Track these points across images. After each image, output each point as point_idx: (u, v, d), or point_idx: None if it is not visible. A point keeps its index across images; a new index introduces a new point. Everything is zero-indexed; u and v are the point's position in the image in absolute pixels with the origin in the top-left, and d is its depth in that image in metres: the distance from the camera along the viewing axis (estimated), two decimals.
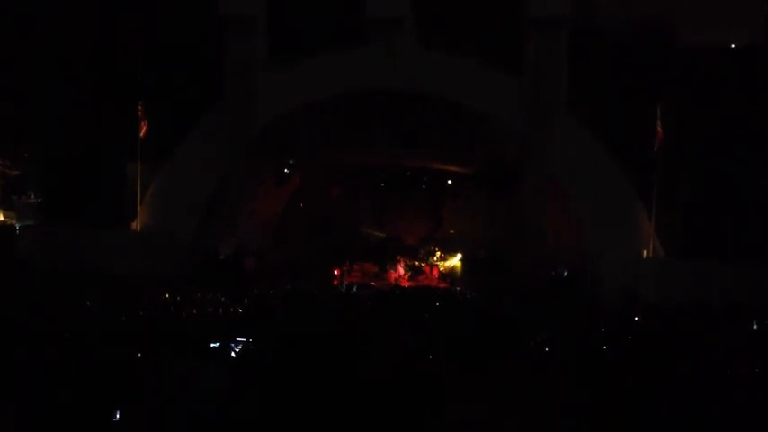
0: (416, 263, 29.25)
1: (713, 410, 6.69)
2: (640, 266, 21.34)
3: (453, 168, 30.20)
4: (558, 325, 12.99)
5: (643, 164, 20.88)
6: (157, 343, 8.63)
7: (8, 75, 26.53)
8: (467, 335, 10.91)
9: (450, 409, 6.15)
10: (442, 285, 27.14)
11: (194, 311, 14.11)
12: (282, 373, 7.10)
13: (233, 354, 8.21)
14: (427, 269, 29.01)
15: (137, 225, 24.06)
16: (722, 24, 23.79)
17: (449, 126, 23.59)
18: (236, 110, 23.79)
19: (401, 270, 28.48)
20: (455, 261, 29.20)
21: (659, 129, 20.51)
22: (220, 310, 14.97)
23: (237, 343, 8.52)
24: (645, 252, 21.58)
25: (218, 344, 8.37)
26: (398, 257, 28.91)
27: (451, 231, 30.60)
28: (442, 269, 29.12)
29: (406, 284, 26.93)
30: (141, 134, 22.75)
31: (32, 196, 30.95)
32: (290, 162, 27.97)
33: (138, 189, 23.68)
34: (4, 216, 31.60)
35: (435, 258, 29.65)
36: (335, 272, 27.86)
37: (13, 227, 28.76)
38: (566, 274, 23.07)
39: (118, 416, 6.08)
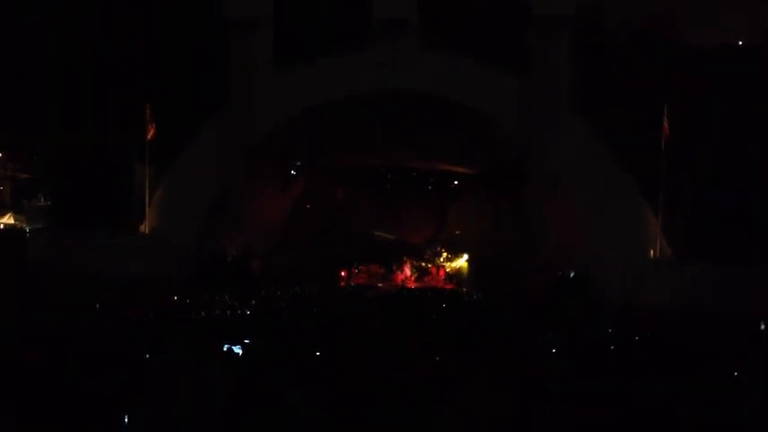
0: (423, 264, 29.31)
1: (718, 413, 6.72)
2: (644, 268, 21.24)
3: (457, 169, 30.26)
4: (565, 326, 13.02)
5: (649, 164, 20.80)
6: (166, 344, 8.73)
7: (17, 78, 26.76)
8: (472, 335, 10.99)
9: (451, 410, 6.22)
10: (449, 286, 27.19)
11: (202, 313, 14.20)
12: (288, 374, 7.18)
13: (240, 354, 8.29)
14: (434, 270, 29.07)
15: (145, 228, 24.23)
16: (727, 24, 23.70)
17: (450, 127, 23.61)
18: (239, 112, 23.92)
19: (408, 271, 28.54)
20: (461, 262, 29.23)
21: (666, 126, 20.44)
22: (228, 312, 15.06)
23: (245, 344, 8.61)
24: (651, 252, 21.53)
25: (225, 345, 8.45)
26: (405, 259, 28.98)
27: (457, 232, 30.63)
28: (448, 270, 29.15)
29: (412, 286, 26.99)
30: (149, 137, 22.93)
31: (42, 200, 31.25)
32: (296, 164, 28.12)
33: (147, 192, 23.87)
34: (15, 219, 31.90)
35: (442, 259, 29.69)
36: (342, 273, 27.97)
37: (23, 230, 29.03)
38: (572, 275, 23.02)
39: (126, 420, 6.15)
